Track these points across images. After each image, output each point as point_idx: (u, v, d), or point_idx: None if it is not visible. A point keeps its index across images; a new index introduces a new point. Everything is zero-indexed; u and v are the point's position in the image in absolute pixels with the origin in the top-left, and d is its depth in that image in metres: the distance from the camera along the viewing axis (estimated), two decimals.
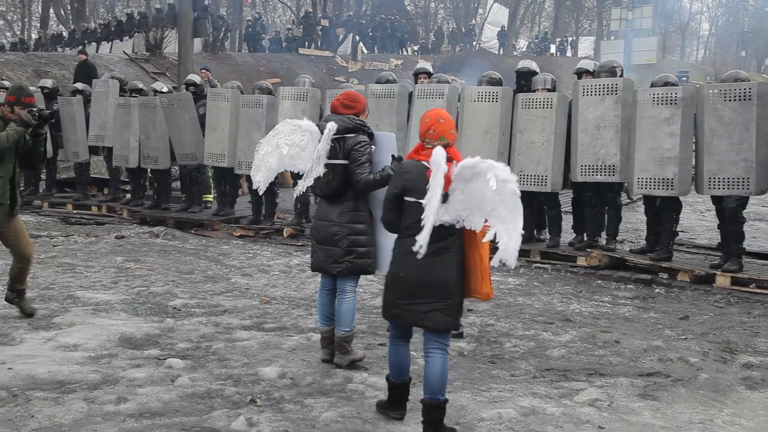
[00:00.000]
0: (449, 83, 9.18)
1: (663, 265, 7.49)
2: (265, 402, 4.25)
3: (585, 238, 8.32)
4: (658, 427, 3.99)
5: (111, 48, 26.42)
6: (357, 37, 32.60)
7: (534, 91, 8.50)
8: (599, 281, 7.52)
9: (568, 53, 43.87)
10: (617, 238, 8.26)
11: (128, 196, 12.01)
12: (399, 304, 3.81)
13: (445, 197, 3.56)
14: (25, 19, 47.01)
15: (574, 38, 49.28)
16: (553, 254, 8.25)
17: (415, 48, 38.45)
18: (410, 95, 9.26)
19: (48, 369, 4.62)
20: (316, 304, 5.00)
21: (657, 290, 7.16)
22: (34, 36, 41.61)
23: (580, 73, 8.53)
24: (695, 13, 62.29)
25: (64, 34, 29.33)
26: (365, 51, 33.14)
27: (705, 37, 66.02)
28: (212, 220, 10.40)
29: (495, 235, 3.48)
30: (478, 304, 6.52)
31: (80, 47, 26.80)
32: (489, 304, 6.52)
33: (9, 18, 48.90)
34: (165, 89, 11.48)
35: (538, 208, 8.77)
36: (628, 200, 11.61)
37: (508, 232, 3.48)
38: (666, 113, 7.47)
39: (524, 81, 8.73)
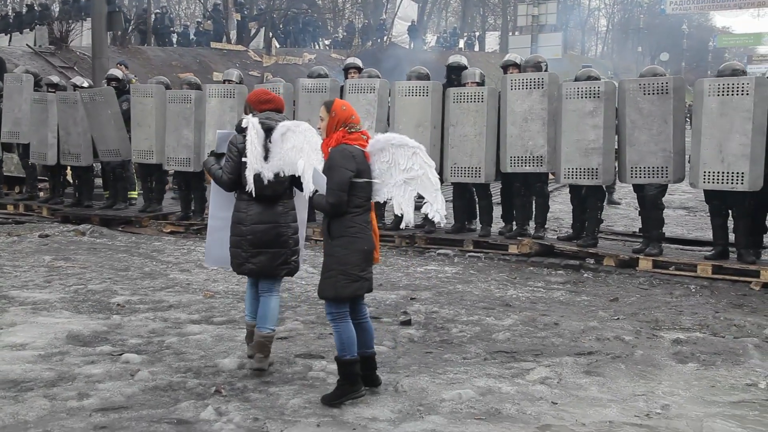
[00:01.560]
0: (380, 78, 9.31)
1: (590, 251, 7.89)
2: (230, 392, 4.31)
3: (514, 227, 8.66)
4: (606, 400, 4.27)
5: (10, 40, 25.26)
6: (270, 32, 32.34)
7: (464, 85, 8.76)
8: (531, 268, 7.85)
9: (476, 48, 44.93)
10: (545, 226, 8.63)
11: (42, 194, 11.62)
12: (361, 276, 4.14)
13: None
14: None
15: (481, 33, 50.49)
16: (485, 243, 8.54)
17: (327, 42, 38.48)
18: (341, 89, 9.35)
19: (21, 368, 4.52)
20: (245, 297, 4.86)
21: (586, 275, 7.55)
22: None
23: (507, 66, 8.85)
24: (593, 9, 64.90)
25: None
26: (278, 45, 32.92)
27: (603, 32, 68.83)
28: (140, 217, 10.20)
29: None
30: (421, 292, 6.72)
31: None
32: (431, 292, 6.73)
33: None
34: (86, 84, 11.14)
35: (469, 199, 9.05)
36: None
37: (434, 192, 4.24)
38: (589, 106, 7.86)
39: (455, 75, 8.98)
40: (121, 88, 10.63)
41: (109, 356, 4.86)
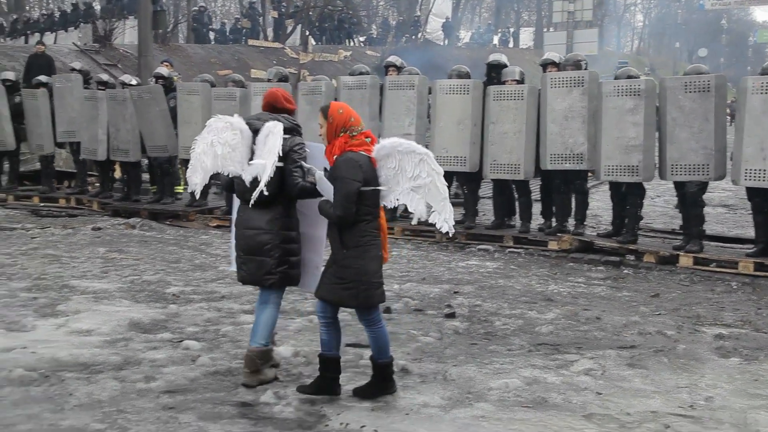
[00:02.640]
0: (419, 75, 9.48)
1: (630, 247, 7.98)
2: (286, 377, 4.52)
3: (553, 224, 8.77)
4: (649, 392, 4.40)
5: (56, 39, 25.88)
6: (306, 30, 32.63)
7: (504, 83, 8.89)
8: (571, 264, 7.97)
9: (510, 44, 44.78)
10: (584, 223, 8.73)
11: (91, 188, 12.00)
12: (381, 283, 4.16)
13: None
14: None
15: (515, 30, 50.27)
16: (524, 239, 8.67)
17: (362, 39, 38.69)
18: (381, 87, 9.54)
19: (69, 352, 4.79)
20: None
21: (626, 271, 7.65)
22: None
23: (546, 65, 8.96)
24: (630, 5, 64.20)
25: (5, 24, 28.54)
26: (314, 42, 33.20)
27: (639, 28, 68.10)
28: (187, 211, 10.50)
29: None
30: (464, 286, 6.89)
31: (24, 37, 26.23)
32: (473, 287, 6.89)
33: None
34: (134, 82, 11.49)
35: (508, 196, 9.19)
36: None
37: (441, 201, 4.11)
38: (630, 104, 7.94)
39: (494, 73, 9.11)
40: (168, 86, 10.95)
41: (169, 343, 5.11)
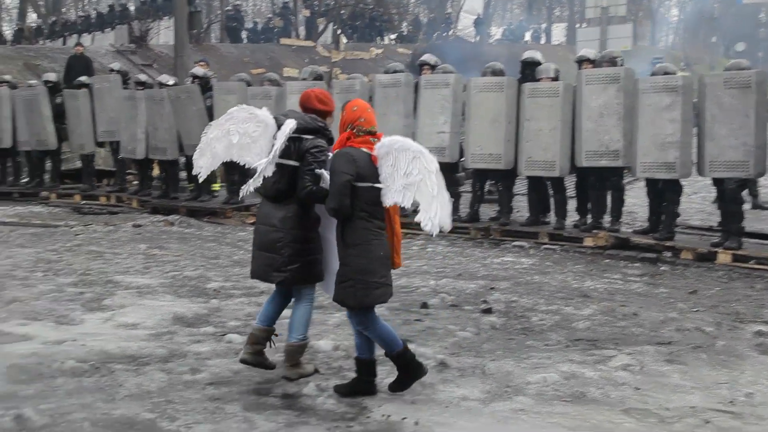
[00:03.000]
0: (454, 73, 9.52)
1: (667, 244, 7.96)
2: (327, 371, 4.61)
3: (589, 220, 8.76)
4: (688, 387, 4.41)
5: (92, 40, 26.36)
6: (338, 28, 32.80)
7: (538, 80, 8.90)
8: (607, 260, 7.96)
9: (542, 40, 44.44)
10: (619, 220, 8.70)
11: (130, 186, 12.24)
12: (383, 282, 4.08)
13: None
14: None
15: (547, 25, 49.86)
16: (559, 235, 8.67)
17: (393, 37, 38.74)
18: (416, 85, 9.60)
19: (117, 345, 4.93)
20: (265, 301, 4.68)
21: (663, 268, 7.62)
22: (5, 28, 41.17)
23: (581, 61, 8.95)
24: None
25: (43, 26, 29.12)
26: (345, 41, 33.34)
27: (674, 22, 67.13)
28: (224, 208, 10.67)
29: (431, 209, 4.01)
30: (500, 282, 6.93)
31: (62, 38, 26.75)
32: (509, 283, 6.93)
33: None
34: (171, 82, 11.68)
35: (542, 193, 9.20)
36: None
37: (435, 201, 3.99)
38: (667, 100, 7.91)
39: (529, 70, 9.12)
40: (204, 85, 11.12)
41: (212, 336, 5.23)
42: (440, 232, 4.04)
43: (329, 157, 4.21)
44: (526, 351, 5.03)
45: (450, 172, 9.54)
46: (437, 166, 4.05)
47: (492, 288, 6.74)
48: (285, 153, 4.18)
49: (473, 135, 9.07)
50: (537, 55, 9.27)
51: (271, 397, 4.18)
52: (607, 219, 8.69)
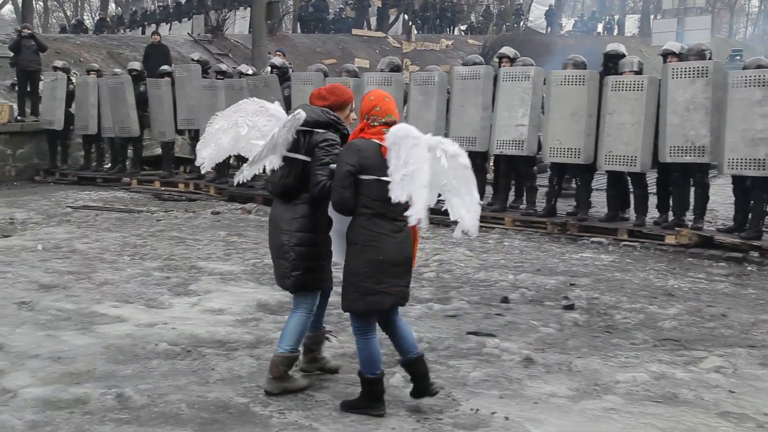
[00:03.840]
0: (534, 66, 9.40)
1: (754, 243, 7.69)
2: None
3: (670, 217, 8.55)
4: None
5: (170, 29, 27.00)
6: (408, 18, 32.74)
7: (621, 73, 8.70)
8: (690, 259, 7.75)
9: (615, 32, 43.40)
10: (703, 218, 8.46)
11: (207, 174, 12.50)
12: (377, 290, 3.69)
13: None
14: (79, 2, 48.04)
15: (620, 17, 48.67)
16: (639, 232, 8.48)
17: (463, 28, 38.47)
18: (495, 77, 9.51)
19: (206, 330, 5.07)
20: None
21: (749, 268, 7.38)
22: (86, 18, 42.56)
23: (666, 55, 8.71)
24: None
25: (124, 16, 29.99)
26: (416, 31, 33.27)
27: (754, 14, 64.59)
28: None
29: (455, 210, 3.63)
30: (580, 278, 6.83)
31: (141, 28, 27.49)
32: (590, 279, 6.82)
33: None
34: (250, 71, 11.88)
35: (622, 188, 9.02)
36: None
37: (464, 204, 3.62)
38: (758, 95, 7.62)
39: (611, 63, 8.93)
40: (282, 75, 11.27)
41: None
42: (464, 234, 3.68)
43: (337, 150, 3.95)
44: (612, 349, 4.95)
45: (528, 165, 9.46)
46: (457, 160, 3.62)
47: (572, 284, 6.64)
48: (294, 147, 3.93)
49: (552, 129, 8.94)
50: (621, 48, 9.07)
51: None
52: (688, 216, 8.46)
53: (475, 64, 9.79)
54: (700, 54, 8.37)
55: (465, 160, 3.62)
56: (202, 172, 4.72)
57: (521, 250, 8.12)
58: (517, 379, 4.36)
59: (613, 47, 9.10)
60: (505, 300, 6.10)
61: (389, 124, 3.74)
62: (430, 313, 5.71)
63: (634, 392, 4.21)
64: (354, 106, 4.18)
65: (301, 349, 4.20)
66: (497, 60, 9.98)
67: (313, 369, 4.34)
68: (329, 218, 4.00)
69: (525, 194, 9.68)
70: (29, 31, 14.26)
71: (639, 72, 8.63)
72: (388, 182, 3.60)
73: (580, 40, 36.37)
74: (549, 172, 9.76)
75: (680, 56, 8.54)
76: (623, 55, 8.92)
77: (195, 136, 12.24)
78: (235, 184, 4.28)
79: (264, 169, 3.98)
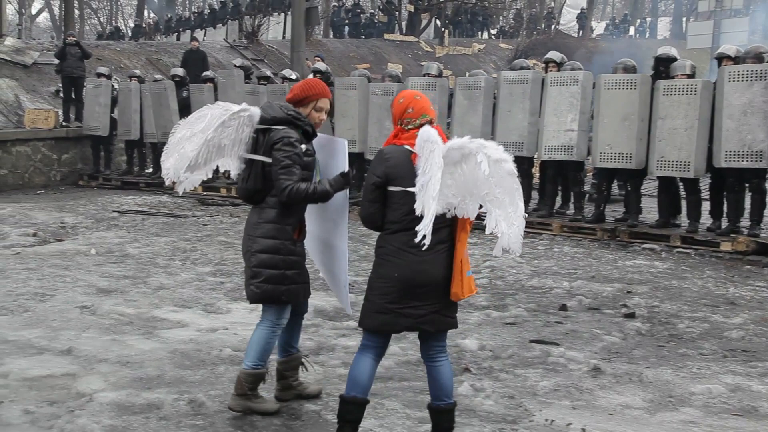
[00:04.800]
0: (583, 70, 9.29)
1: None
2: (478, 371, 4.57)
3: (723, 224, 8.38)
4: None
5: (205, 35, 27.23)
6: (439, 23, 32.70)
7: (673, 77, 8.56)
8: (748, 266, 7.58)
9: (647, 35, 42.93)
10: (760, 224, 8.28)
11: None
12: (390, 309, 3.34)
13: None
14: (114, 9, 48.75)
15: (653, 19, 48.16)
16: (692, 239, 8.33)
17: (494, 32, 38.33)
18: (543, 82, 9.42)
19: None
20: None
21: None
22: (121, 24, 43.15)
23: (721, 59, 8.55)
24: None
25: (160, 22, 30.31)
26: (447, 36, 33.20)
27: None
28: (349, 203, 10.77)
29: (494, 223, 3.18)
30: (637, 286, 6.71)
31: (176, 34, 27.76)
32: (647, 287, 6.70)
33: (94, 6, 50.76)
34: (293, 76, 11.90)
35: (674, 194, 8.87)
36: None
37: (507, 217, 3.17)
38: None
39: (663, 67, 8.79)
40: (325, 81, 11.27)
41: (357, 331, 5.25)
42: (507, 252, 3.26)
43: (307, 151, 3.71)
44: (681, 359, 4.83)
45: (576, 170, 9.35)
46: (501, 165, 3.16)
47: (629, 292, 6.53)
48: (253, 147, 3.72)
49: (602, 133, 8.82)
50: (673, 51, 8.93)
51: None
52: (744, 223, 8.29)
53: (522, 68, 9.71)
54: (758, 56, 8.20)
55: (510, 167, 3.16)
56: (167, 183, 4.10)
57: (572, 257, 8.01)
58: (587, 389, 4.28)
59: (665, 50, 8.97)
60: (564, 308, 6.01)
61: (425, 125, 3.35)
62: (489, 320, 5.64)
63: (712, 405, 4.10)
64: (326, 106, 3.81)
65: (268, 367, 3.89)
66: (544, 65, 9.88)
67: (289, 396, 3.97)
68: (302, 225, 3.78)
69: (573, 200, 9.56)
70: (74, 39, 14.45)
71: (692, 75, 8.48)
72: (413, 194, 3.23)
73: (612, 43, 36.01)
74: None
75: (736, 59, 8.39)
76: (675, 59, 8.78)
77: None
78: (180, 193, 3.99)
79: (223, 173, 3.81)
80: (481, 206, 3.26)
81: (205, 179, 3.93)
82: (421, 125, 3.35)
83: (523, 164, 9.69)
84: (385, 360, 4.60)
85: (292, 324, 3.93)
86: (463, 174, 3.17)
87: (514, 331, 5.37)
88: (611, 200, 9.88)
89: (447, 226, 3.33)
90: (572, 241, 8.85)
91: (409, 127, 3.38)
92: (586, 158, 9.30)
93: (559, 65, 9.63)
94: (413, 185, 3.22)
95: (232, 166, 3.79)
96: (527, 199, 9.76)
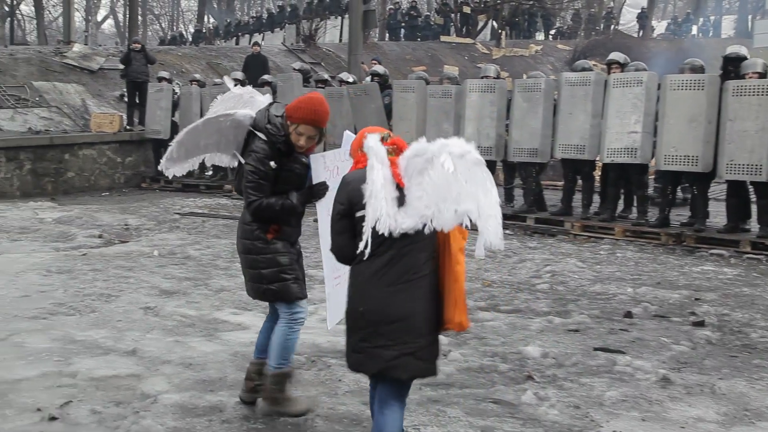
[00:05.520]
0: (647, 71, 9.05)
1: None
2: (542, 379, 4.46)
3: None
4: None
5: (263, 39, 27.56)
6: (496, 24, 32.43)
7: (743, 76, 8.27)
8: None
9: (710, 34, 41.75)
10: None
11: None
12: (362, 347, 2.99)
13: (401, 200, 2.91)
14: (176, 15, 49.86)
15: (717, 18, 46.81)
16: (762, 245, 8.02)
17: (552, 33, 37.84)
18: (605, 83, 9.21)
19: (327, 339, 5.04)
20: None
21: None
22: (182, 29, 44.08)
23: None
24: None
25: (219, 27, 30.84)
26: (504, 38, 32.89)
27: None
28: None
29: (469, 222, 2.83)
30: (705, 293, 6.49)
31: (235, 39, 28.20)
32: (716, 294, 6.47)
33: (156, 12, 52.02)
34: (351, 79, 11.93)
35: (743, 198, 8.57)
36: None
37: (483, 210, 2.82)
38: None
39: (732, 67, 8.51)
40: (383, 83, 11.26)
41: None
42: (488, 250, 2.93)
43: (267, 166, 3.56)
44: (756, 371, 4.64)
45: (640, 173, 9.11)
46: (464, 159, 2.84)
47: (697, 299, 6.32)
48: (243, 148, 3.73)
49: (668, 135, 8.57)
50: (742, 50, 8.63)
51: (490, 403, 4.10)
52: None
53: (584, 69, 9.52)
54: None
55: (474, 156, 2.83)
56: (169, 177, 4.19)
57: (636, 262, 7.80)
58: (657, 400, 4.13)
59: (734, 49, 8.68)
60: (629, 315, 5.84)
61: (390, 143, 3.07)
62: (551, 327, 5.52)
63: None
64: (309, 133, 3.61)
65: (293, 365, 3.89)
66: (606, 66, 9.68)
67: (251, 400, 3.88)
68: (278, 226, 3.70)
69: (636, 203, 9.32)
70: (139, 45, 14.78)
71: (763, 74, 8.19)
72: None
73: (674, 43, 35.19)
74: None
75: None
76: (745, 58, 8.49)
77: None
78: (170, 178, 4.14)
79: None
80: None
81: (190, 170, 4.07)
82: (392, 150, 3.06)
83: (585, 167, 9.52)
84: (446, 366, 4.58)
85: (268, 327, 3.90)
86: (431, 181, 2.84)
87: (578, 339, 5.24)
88: (675, 204, 9.60)
89: (424, 250, 2.95)
90: (635, 245, 8.62)
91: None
92: (650, 161, 9.05)
93: (623, 66, 9.41)
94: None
95: (225, 161, 3.89)
96: (588, 203, 9.57)
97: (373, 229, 2.88)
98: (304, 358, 4.64)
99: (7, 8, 36.11)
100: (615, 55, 9.65)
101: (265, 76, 13.11)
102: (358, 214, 2.96)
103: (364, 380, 4.30)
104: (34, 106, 14.78)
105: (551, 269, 7.40)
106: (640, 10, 39.67)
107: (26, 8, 43.40)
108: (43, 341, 4.90)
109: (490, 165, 10.30)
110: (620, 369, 4.63)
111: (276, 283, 3.69)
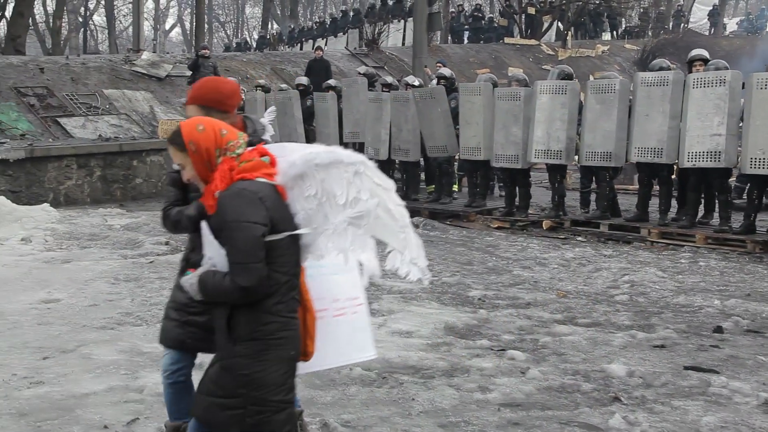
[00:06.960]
0: (730, 69, 8.57)
1: None
2: (629, 400, 4.16)
3: None
4: None
5: (326, 44, 27.61)
6: (561, 25, 31.79)
7: None
8: None
9: None
10: None
11: None
12: (288, 401, 2.57)
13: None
14: (240, 22, 50.66)
15: None
16: None
17: (619, 32, 36.92)
18: (684, 83, 8.76)
19: (398, 354, 4.83)
20: None
21: None
22: (246, 36, 44.69)
23: None
24: None
25: (283, 33, 31.06)
26: (570, 38, 32.21)
27: None
28: (467, 211, 10.49)
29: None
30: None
31: (299, 44, 28.35)
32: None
33: (222, 20, 52.95)
34: (416, 83, 11.73)
35: None
36: None
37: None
38: None
39: None
40: (450, 87, 11.02)
41: (490, 350, 4.97)
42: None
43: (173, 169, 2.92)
44: None
45: (723, 177, 8.64)
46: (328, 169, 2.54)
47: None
48: None
49: (753, 137, 8.08)
50: None
51: (575, 427, 3.82)
52: None
53: (661, 69, 9.09)
54: None
55: (320, 149, 2.54)
56: None
57: (721, 272, 7.36)
58: (761, 428, 3.79)
59: None
60: (719, 329, 5.46)
61: (255, 150, 2.61)
62: (635, 342, 5.19)
63: None
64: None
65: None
66: (687, 64, 9.21)
67: None
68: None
69: (718, 209, 8.83)
70: (208, 51, 14.92)
71: None
72: (299, 236, 2.57)
73: (748, 41, 33.92)
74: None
75: None
76: None
77: (358, 149, 12.27)
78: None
79: None
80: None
81: None
82: (251, 145, 2.63)
83: (663, 171, 9.08)
84: (525, 385, 4.33)
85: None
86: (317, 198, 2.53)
87: (665, 356, 4.90)
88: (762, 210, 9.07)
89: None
90: (718, 254, 8.16)
91: (239, 151, 2.56)
92: (735, 165, 8.57)
93: (706, 63, 8.94)
94: (294, 227, 2.53)
95: None
96: (666, 209, 9.12)
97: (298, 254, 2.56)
98: (375, 375, 4.44)
99: (80, 19, 37.22)
100: (700, 52, 9.17)
101: (329, 81, 13.02)
102: (275, 237, 2.48)
103: (438, 400, 4.11)
104: (105, 113, 15.05)
105: (630, 279, 7.03)
106: (711, 7, 38.42)
107: (98, 18, 44.83)
108: (110, 353, 4.83)
109: (560, 168, 9.99)
110: (715, 391, 4.28)
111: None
